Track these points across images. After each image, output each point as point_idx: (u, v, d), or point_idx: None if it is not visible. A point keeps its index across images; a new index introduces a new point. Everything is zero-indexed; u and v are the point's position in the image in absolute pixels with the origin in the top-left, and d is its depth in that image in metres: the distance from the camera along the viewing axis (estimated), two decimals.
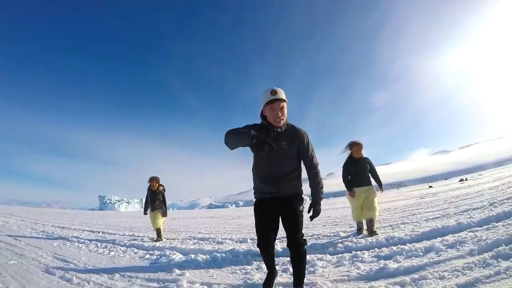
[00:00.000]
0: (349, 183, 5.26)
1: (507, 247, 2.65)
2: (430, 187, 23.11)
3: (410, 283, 2.30)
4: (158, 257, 4.24)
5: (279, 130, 2.40)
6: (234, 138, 2.25)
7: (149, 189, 6.89)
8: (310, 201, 2.47)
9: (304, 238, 2.37)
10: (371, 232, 4.73)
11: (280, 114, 2.34)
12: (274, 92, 2.33)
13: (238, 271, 3.28)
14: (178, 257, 4.05)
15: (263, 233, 2.46)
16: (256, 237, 2.69)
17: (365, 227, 5.06)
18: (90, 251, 5.07)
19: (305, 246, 2.36)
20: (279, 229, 2.47)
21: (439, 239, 3.51)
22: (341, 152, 5.49)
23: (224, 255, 3.96)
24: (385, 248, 3.52)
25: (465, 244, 3.10)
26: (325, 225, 6.68)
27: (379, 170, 5.44)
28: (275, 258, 2.74)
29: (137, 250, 4.94)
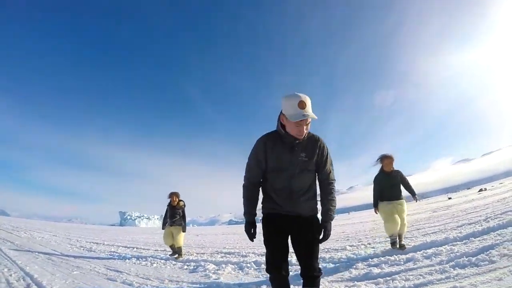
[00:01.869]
0: (380, 197, 5.22)
1: (466, 259, 3.44)
2: (450, 198, 22.65)
3: (383, 282, 3.15)
4: (195, 267, 5.22)
5: (297, 141, 2.15)
6: (245, 208, 2.33)
7: (169, 204, 7.00)
8: (320, 220, 2.23)
9: (320, 267, 2.18)
10: (401, 246, 4.83)
11: (305, 131, 2.11)
12: (302, 105, 2.01)
13: (261, 276, 4.20)
14: (211, 266, 5.02)
15: (275, 252, 2.17)
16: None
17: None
18: (134, 263, 6.04)
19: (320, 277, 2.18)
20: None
21: (422, 251, 4.29)
22: (372, 166, 5.46)
23: (249, 265, 4.89)
24: (376, 258, 4.34)
25: (439, 256, 3.87)
26: (337, 240, 7.44)
27: (409, 181, 5.41)
28: None
29: (175, 262, 5.91)
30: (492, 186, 25.56)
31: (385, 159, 5.28)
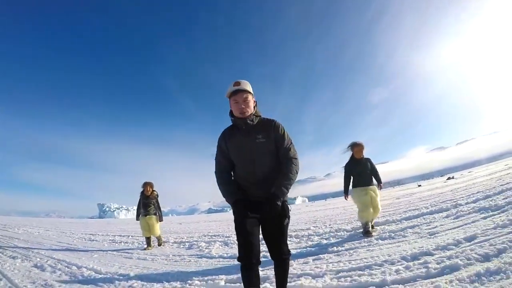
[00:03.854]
0: (351, 184, 5.48)
1: (388, 234, 4.90)
2: (419, 186, 23.30)
3: (347, 254, 4.52)
4: (190, 245, 6.54)
5: (250, 122, 2.26)
6: (222, 194, 2.32)
7: (142, 193, 7.01)
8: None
9: (289, 249, 2.31)
10: (372, 228, 5.16)
11: (243, 106, 2.23)
12: (237, 84, 2.23)
13: None
14: (203, 244, 6.41)
15: (245, 239, 2.14)
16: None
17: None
18: (137, 246, 7.18)
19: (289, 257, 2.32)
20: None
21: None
22: (342, 153, 5.64)
23: (232, 242, 6.30)
24: (316, 237, 5.74)
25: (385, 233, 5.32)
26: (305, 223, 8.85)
27: (377, 169, 5.65)
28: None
29: (172, 243, 7.19)
30: (461, 175, 25.88)
31: (355, 146, 5.49)
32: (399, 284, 2.58)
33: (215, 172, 2.38)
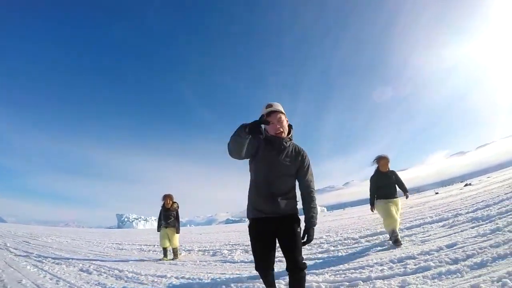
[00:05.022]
0: (377, 196, 5.67)
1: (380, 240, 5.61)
2: (436, 193, 22.69)
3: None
4: (214, 253, 7.34)
5: (284, 143, 2.44)
6: (233, 142, 2.19)
7: (163, 206, 7.31)
8: (304, 226, 2.42)
9: (304, 261, 2.37)
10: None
11: (278, 126, 2.39)
12: (269, 106, 2.41)
13: None
14: (226, 251, 7.23)
15: (262, 254, 2.45)
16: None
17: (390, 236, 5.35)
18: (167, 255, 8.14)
19: (305, 270, 2.37)
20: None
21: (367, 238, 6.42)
22: (369, 166, 5.86)
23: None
24: (326, 244, 6.42)
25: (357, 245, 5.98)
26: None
27: (402, 179, 5.80)
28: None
29: (198, 251, 8.02)
30: (479, 181, 25.06)
31: (381, 160, 5.70)
32: (379, 279, 3.36)
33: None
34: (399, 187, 5.77)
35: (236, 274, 4.66)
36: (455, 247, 4.12)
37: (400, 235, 6.07)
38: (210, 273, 5.01)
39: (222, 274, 4.80)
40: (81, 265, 6.46)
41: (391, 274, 3.47)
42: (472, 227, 5.27)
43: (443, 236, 5.12)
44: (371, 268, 3.85)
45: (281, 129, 2.40)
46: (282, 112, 2.45)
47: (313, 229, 2.41)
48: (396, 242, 5.12)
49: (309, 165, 2.52)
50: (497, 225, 4.80)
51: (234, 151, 2.24)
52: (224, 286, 4.01)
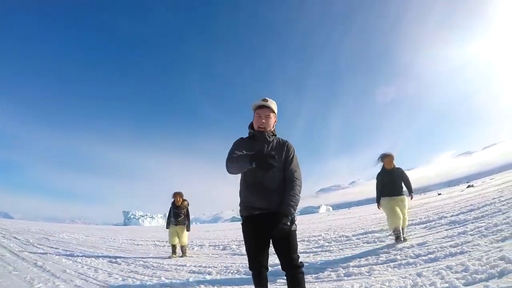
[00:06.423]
0: (382, 193, 5.76)
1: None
2: (439, 194, 23.52)
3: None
4: (223, 247, 8.31)
5: (268, 138, 2.45)
6: (236, 168, 2.23)
7: (173, 204, 7.31)
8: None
9: (300, 260, 2.31)
10: (403, 239, 5.44)
11: (263, 121, 2.41)
12: (265, 100, 2.42)
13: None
14: (234, 246, 8.21)
15: (255, 252, 2.39)
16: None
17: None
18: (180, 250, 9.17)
19: (303, 268, 2.30)
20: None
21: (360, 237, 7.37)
22: (374, 165, 5.96)
23: None
24: (323, 241, 7.41)
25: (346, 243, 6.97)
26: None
27: (409, 178, 5.93)
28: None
29: (209, 245, 9.02)
30: (482, 182, 25.79)
31: (386, 157, 5.81)
32: (357, 267, 4.30)
33: (227, 159, 2.34)
34: (405, 186, 5.81)
35: (245, 263, 5.58)
36: (422, 246, 5.01)
37: (386, 233, 6.91)
38: (222, 262, 6.05)
39: (233, 263, 5.82)
40: (107, 258, 7.14)
41: (366, 264, 4.44)
42: (446, 229, 6.07)
43: (419, 236, 5.97)
44: (353, 261, 4.77)
45: (266, 124, 2.44)
46: (273, 111, 2.49)
47: (288, 218, 2.23)
48: (397, 239, 5.39)
49: (294, 155, 2.49)
50: (465, 229, 5.58)
51: (234, 173, 2.34)
52: (236, 271, 5.07)
